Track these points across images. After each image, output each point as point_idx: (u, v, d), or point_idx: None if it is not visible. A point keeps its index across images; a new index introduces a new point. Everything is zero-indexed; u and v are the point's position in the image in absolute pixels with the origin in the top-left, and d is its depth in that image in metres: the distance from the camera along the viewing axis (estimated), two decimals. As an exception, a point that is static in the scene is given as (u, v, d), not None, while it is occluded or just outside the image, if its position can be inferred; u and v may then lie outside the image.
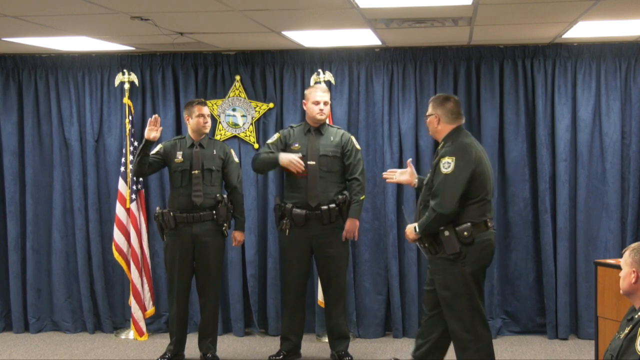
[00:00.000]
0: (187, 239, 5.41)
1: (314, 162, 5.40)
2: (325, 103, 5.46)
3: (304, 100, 5.58)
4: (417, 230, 4.49)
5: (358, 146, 5.56)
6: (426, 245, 4.52)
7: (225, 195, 5.52)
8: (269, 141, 5.58)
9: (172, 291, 5.48)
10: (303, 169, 5.36)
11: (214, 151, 5.51)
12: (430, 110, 4.60)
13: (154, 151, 5.48)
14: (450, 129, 4.53)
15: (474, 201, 4.42)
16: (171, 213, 5.39)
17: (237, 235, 5.62)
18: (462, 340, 4.51)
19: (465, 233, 4.38)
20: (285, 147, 5.49)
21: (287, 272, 5.60)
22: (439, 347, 4.73)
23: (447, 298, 4.51)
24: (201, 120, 5.42)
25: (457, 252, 4.41)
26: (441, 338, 4.69)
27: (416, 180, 4.93)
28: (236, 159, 5.66)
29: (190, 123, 5.45)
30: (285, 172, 5.59)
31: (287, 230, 5.46)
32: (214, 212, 5.44)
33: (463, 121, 4.62)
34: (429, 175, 4.61)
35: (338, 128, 5.63)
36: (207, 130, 5.53)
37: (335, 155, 5.46)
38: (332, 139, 5.51)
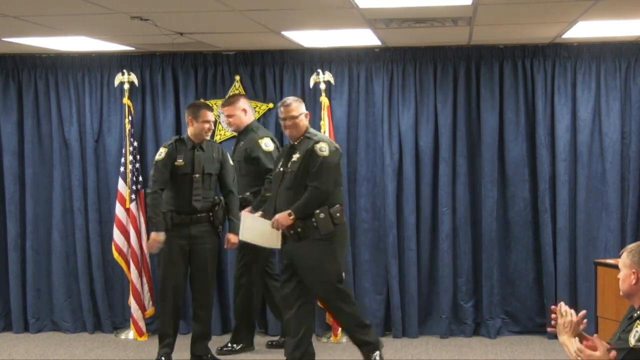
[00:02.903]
0: (184, 240, 5.39)
1: None
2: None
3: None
4: (294, 214, 4.82)
5: (266, 148, 5.68)
6: (299, 230, 4.83)
7: (221, 197, 5.53)
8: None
9: (167, 292, 5.40)
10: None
11: (213, 154, 5.48)
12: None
13: (160, 157, 5.33)
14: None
15: (339, 186, 5.00)
16: (169, 214, 5.37)
17: (232, 238, 5.52)
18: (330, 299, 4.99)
19: (338, 214, 4.88)
20: None
21: None
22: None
23: (315, 276, 4.89)
24: (206, 125, 5.38)
25: (331, 232, 4.84)
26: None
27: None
28: (231, 162, 5.64)
29: (194, 126, 5.38)
30: None
31: None
32: (211, 214, 5.44)
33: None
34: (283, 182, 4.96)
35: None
36: (209, 137, 5.51)
37: None
38: None
